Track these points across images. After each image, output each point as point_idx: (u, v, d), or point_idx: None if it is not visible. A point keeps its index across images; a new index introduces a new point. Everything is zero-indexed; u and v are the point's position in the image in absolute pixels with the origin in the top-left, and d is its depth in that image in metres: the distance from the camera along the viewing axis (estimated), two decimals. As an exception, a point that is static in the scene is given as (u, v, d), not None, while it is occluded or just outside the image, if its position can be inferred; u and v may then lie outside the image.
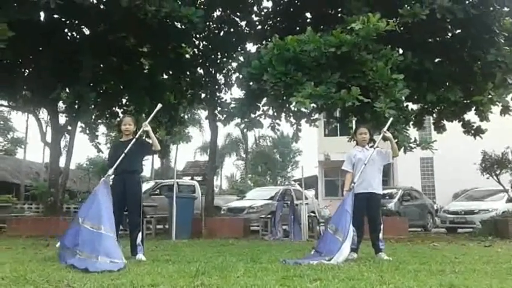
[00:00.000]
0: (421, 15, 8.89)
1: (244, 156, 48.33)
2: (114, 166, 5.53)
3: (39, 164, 33.74)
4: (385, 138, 6.20)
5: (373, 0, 10.56)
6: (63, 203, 14.26)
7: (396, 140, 9.53)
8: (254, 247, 7.67)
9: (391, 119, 6.97)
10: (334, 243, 5.26)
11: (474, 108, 10.99)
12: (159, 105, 6.24)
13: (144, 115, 13.18)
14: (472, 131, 11.76)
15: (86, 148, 65.70)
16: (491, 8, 9.59)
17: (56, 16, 11.38)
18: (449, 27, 10.31)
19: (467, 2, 9.50)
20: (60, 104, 14.28)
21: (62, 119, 14.17)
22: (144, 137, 5.99)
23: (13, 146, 41.31)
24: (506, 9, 9.79)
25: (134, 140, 5.67)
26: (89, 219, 5.02)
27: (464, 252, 6.80)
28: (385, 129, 6.08)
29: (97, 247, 4.78)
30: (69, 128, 13.57)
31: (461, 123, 11.88)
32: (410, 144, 10.08)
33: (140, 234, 5.63)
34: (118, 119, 13.18)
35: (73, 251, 4.89)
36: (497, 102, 10.39)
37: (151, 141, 5.82)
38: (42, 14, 11.27)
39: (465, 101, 10.97)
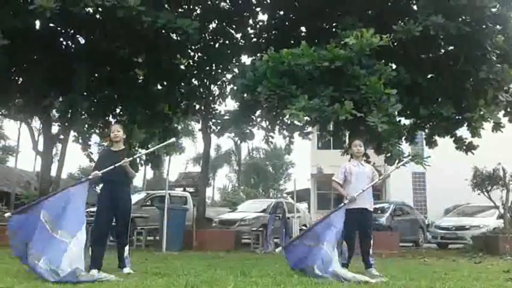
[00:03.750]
0: (415, 32, 8.99)
1: (237, 168, 48.30)
2: (101, 172, 5.40)
3: (31, 172, 33.48)
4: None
5: (367, 15, 10.70)
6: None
7: (390, 154, 9.62)
8: (245, 260, 7.62)
9: (408, 159, 6.86)
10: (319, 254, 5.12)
11: (466, 124, 11.06)
12: (173, 139, 6.22)
13: (136, 125, 13.17)
14: (464, 147, 11.82)
15: (77, 157, 65.44)
16: (484, 26, 9.71)
17: (51, 25, 11.36)
18: (442, 43, 10.41)
19: (460, 19, 9.60)
20: (53, 112, 14.22)
21: (55, 128, 14.12)
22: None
23: (4, 154, 41.02)
24: (498, 27, 9.91)
25: (124, 149, 5.63)
26: (49, 217, 4.74)
27: (454, 268, 6.79)
28: (399, 165, 6.09)
29: (44, 249, 4.54)
30: (62, 137, 13.51)
31: (453, 138, 11.95)
32: (404, 159, 10.13)
33: (128, 246, 5.58)
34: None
35: (27, 247, 4.62)
36: (488, 119, 10.47)
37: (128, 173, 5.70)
38: (37, 23, 11.26)
39: (457, 117, 11.05)
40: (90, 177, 5.41)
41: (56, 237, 4.63)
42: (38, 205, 4.96)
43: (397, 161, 6.30)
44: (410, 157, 6.44)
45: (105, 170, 5.37)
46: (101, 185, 5.63)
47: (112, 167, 5.37)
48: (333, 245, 5.16)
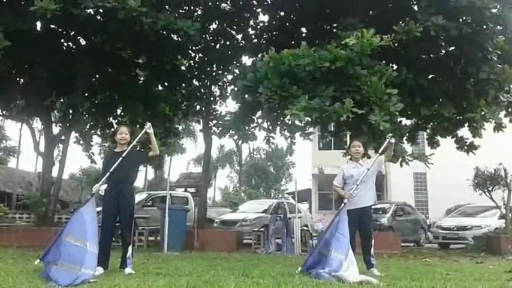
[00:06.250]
0: (415, 32, 8.98)
1: (238, 168, 48.34)
2: (104, 178, 5.47)
3: (32, 173, 33.56)
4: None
5: (368, 16, 10.69)
6: (54, 213, 14.15)
7: (393, 153, 9.60)
8: (246, 261, 7.62)
9: (390, 135, 6.84)
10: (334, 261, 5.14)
11: (467, 124, 11.05)
12: (148, 124, 5.89)
13: (138, 126, 13.17)
14: (465, 147, 11.82)
15: (79, 158, 65.56)
16: (485, 27, 9.70)
17: (52, 26, 11.38)
18: (443, 44, 10.40)
19: (460, 20, 9.60)
20: (54, 113, 14.25)
21: (56, 128, 14.16)
22: (139, 146, 5.87)
23: (6, 155, 41.15)
24: (499, 27, 9.91)
25: (129, 148, 5.64)
26: (72, 235, 4.93)
27: (456, 268, 6.78)
28: (384, 146, 6.09)
29: (81, 260, 4.72)
30: (63, 137, 13.52)
31: (454, 139, 11.95)
32: (407, 157, 10.13)
33: (131, 247, 5.59)
34: (112, 129, 13.16)
35: (53, 263, 4.80)
36: (490, 119, 10.46)
37: (152, 145, 5.76)
38: (38, 24, 11.28)
39: (458, 117, 11.04)
40: (93, 192, 5.49)
41: (87, 249, 4.87)
42: (60, 236, 5.12)
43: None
44: (391, 136, 6.27)
45: (102, 180, 5.46)
46: (105, 186, 5.64)
47: (112, 169, 5.44)
48: (345, 253, 5.16)
